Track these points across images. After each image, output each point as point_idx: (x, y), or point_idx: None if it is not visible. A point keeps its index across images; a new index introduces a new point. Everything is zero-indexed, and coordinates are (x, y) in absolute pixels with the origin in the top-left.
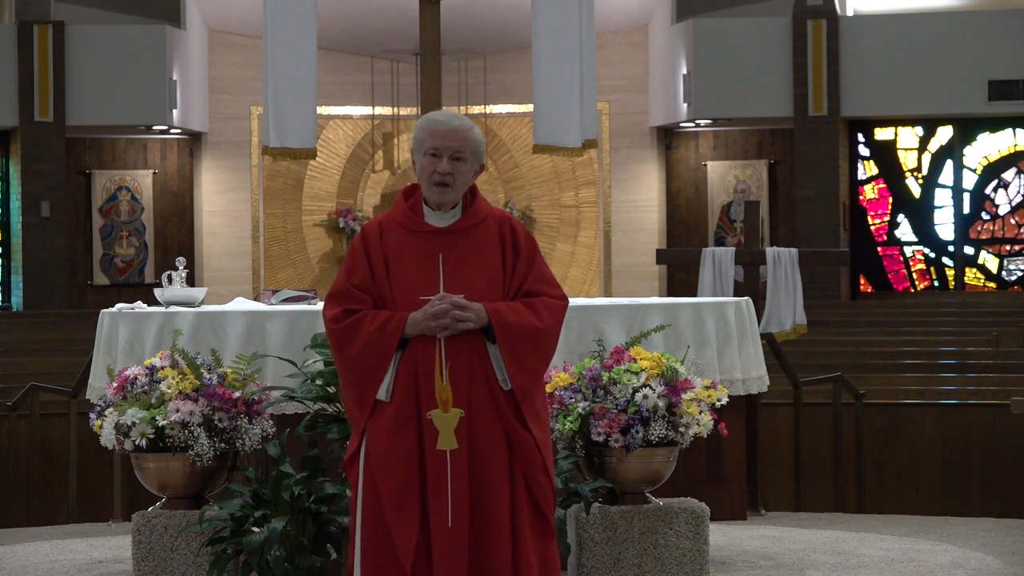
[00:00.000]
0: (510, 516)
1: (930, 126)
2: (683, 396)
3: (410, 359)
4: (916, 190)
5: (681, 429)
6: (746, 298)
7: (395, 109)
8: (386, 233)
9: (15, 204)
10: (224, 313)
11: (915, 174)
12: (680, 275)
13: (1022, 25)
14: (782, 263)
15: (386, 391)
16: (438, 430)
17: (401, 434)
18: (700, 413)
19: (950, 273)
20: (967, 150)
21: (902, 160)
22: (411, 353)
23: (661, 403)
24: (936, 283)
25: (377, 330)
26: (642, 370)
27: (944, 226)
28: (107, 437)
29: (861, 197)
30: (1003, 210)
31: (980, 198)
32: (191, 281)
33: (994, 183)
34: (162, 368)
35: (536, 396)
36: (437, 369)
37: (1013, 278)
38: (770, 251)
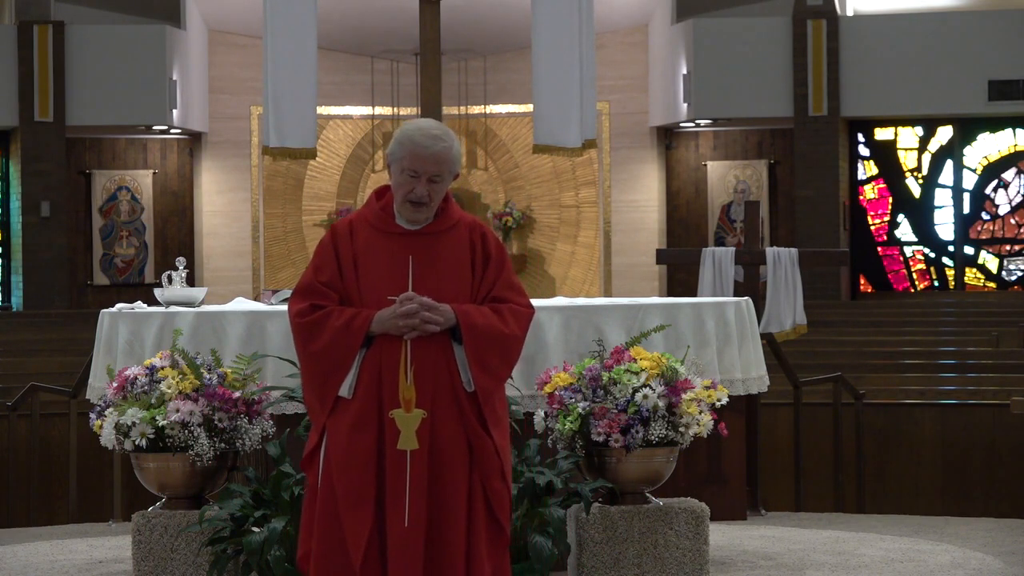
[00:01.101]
0: (466, 520)
1: (930, 126)
2: (683, 396)
3: (374, 357)
4: (916, 190)
5: (681, 429)
6: (746, 298)
7: (395, 109)
8: (356, 232)
9: (15, 204)
10: (224, 313)
11: (915, 174)
12: (680, 275)
13: (1022, 25)
14: (782, 263)
15: (348, 388)
16: (399, 430)
17: (361, 432)
18: (700, 413)
19: (950, 273)
20: (967, 150)
21: (902, 160)
22: (375, 351)
23: (661, 403)
24: (936, 283)
25: (343, 326)
26: (642, 370)
27: (944, 226)
28: (107, 437)
29: (861, 197)
30: (1003, 210)
31: (980, 198)
32: (191, 281)
33: (994, 183)
34: (162, 368)
35: (497, 401)
36: (402, 369)
37: (1013, 278)
38: (770, 251)
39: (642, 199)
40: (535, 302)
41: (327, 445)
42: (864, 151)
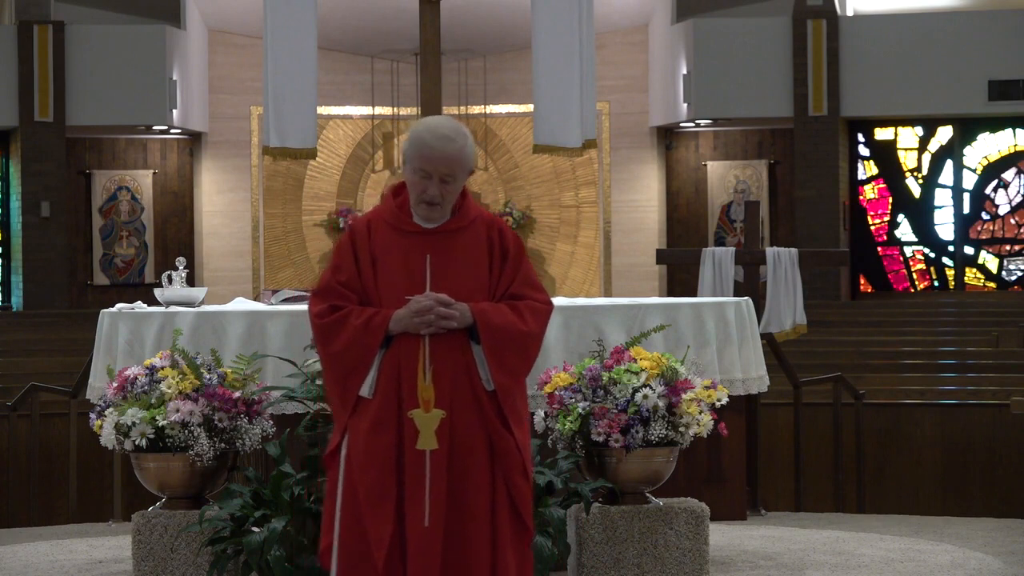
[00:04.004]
0: (490, 519)
1: (930, 126)
2: (683, 396)
3: (393, 357)
4: (916, 190)
5: (681, 429)
6: (746, 298)
7: (395, 109)
8: (374, 231)
9: (15, 204)
10: (224, 313)
11: (915, 174)
12: (680, 275)
13: (1022, 25)
14: (782, 263)
15: (369, 388)
16: (418, 430)
17: (381, 432)
18: (700, 413)
19: (950, 273)
20: (967, 150)
21: (902, 160)
22: (394, 351)
23: (661, 403)
24: (936, 283)
25: (362, 326)
26: (642, 370)
27: (944, 226)
28: (107, 437)
29: (861, 197)
30: (1003, 210)
31: (980, 198)
32: (191, 281)
33: (994, 183)
34: (162, 368)
35: (518, 398)
36: (420, 368)
37: (1013, 278)
38: (770, 251)
39: (642, 199)
40: None
41: (348, 445)
42: (864, 151)
